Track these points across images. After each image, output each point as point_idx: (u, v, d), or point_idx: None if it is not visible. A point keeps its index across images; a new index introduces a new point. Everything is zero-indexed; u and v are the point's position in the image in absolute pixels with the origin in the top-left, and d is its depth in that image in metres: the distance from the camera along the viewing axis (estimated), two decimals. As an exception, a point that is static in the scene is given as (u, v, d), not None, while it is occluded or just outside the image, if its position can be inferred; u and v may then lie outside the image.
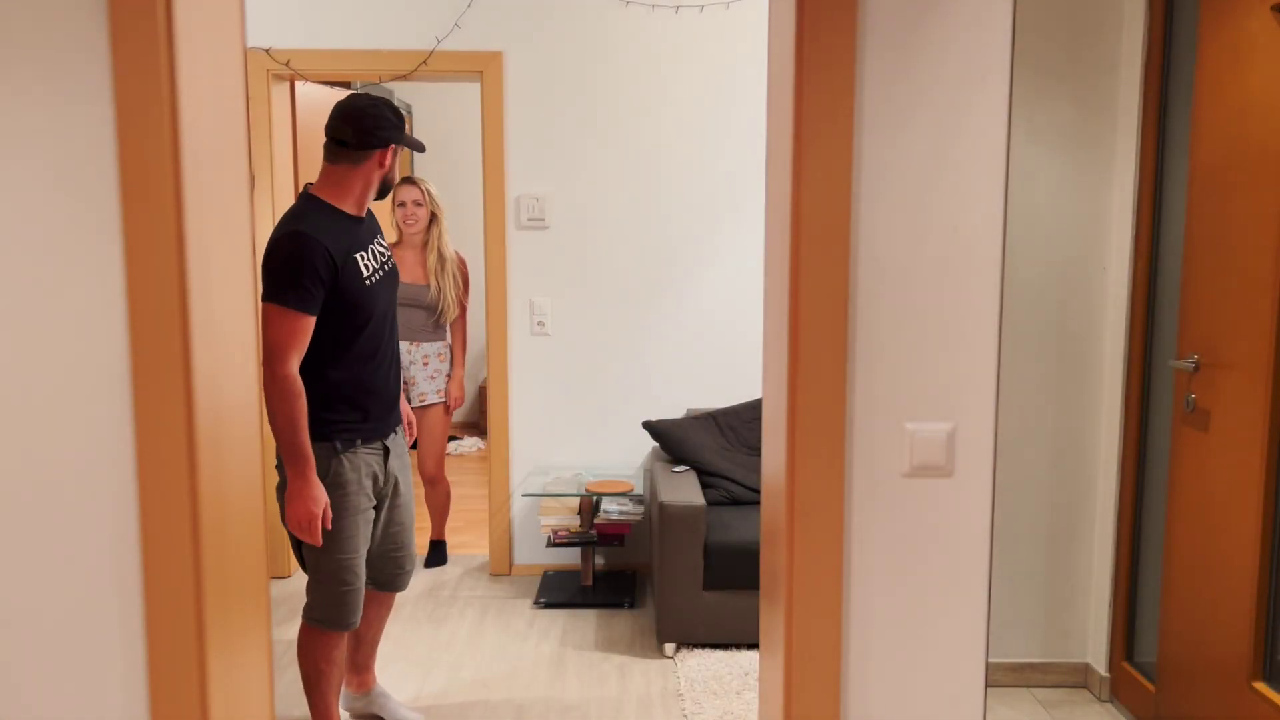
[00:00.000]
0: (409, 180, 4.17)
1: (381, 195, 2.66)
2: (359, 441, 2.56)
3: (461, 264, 4.33)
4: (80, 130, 1.51)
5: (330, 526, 2.48)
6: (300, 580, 4.33)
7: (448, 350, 4.30)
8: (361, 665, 3.01)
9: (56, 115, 1.51)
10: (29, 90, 1.50)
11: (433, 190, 4.22)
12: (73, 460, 1.56)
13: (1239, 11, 2.42)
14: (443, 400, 4.26)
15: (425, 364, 4.22)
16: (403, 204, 4.19)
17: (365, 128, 2.49)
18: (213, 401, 1.63)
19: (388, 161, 2.57)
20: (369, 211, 2.65)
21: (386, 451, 2.67)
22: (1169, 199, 2.88)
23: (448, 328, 4.30)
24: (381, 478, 2.66)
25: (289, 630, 3.79)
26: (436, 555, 4.52)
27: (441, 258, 4.22)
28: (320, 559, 2.57)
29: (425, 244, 4.22)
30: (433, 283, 4.18)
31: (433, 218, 4.22)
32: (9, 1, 1.49)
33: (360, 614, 2.67)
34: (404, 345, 4.12)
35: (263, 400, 1.89)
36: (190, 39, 1.55)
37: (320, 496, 2.43)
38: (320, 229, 2.42)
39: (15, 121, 1.51)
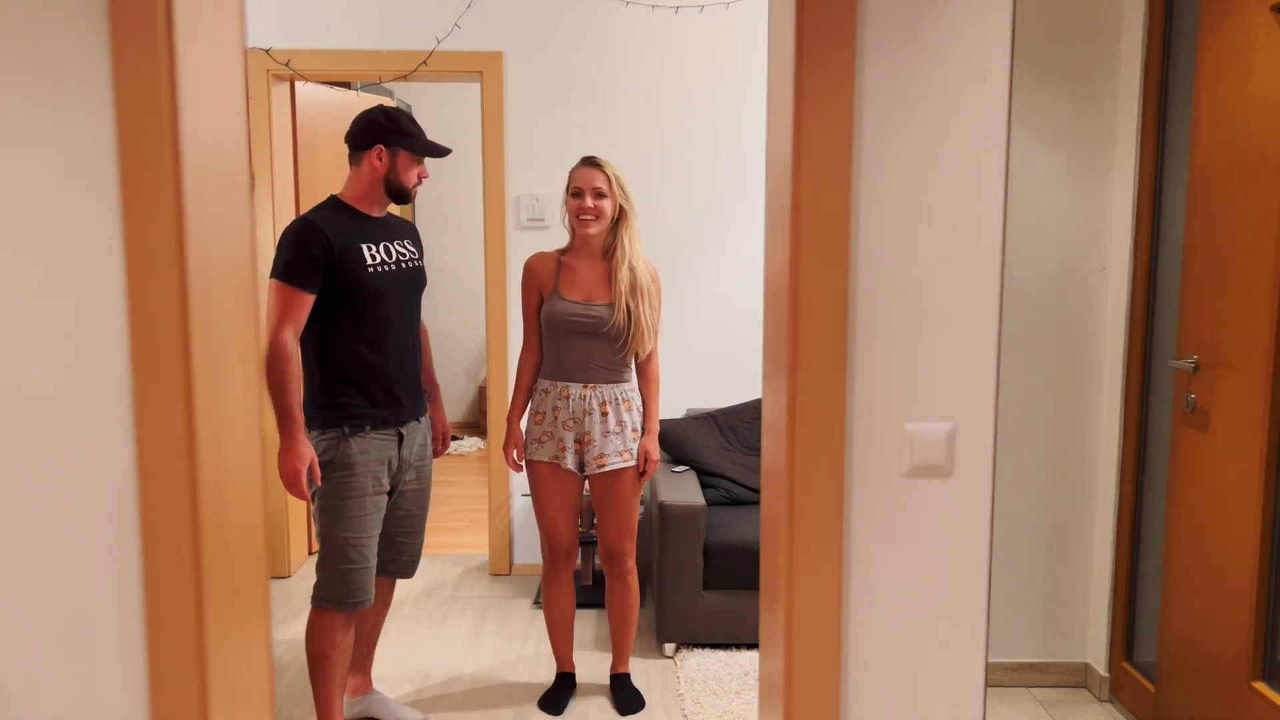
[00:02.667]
0: (589, 161, 3.02)
1: (397, 199, 2.81)
2: (368, 427, 2.69)
3: (655, 278, 3.10)
4: (80, 130, 1.51)
5: (318, 483, 2.65)
6: (300, 580, 4.34)
7: (634, 395, 3.10)
8: (357, 666, 3.02)
9: (56, 115, 1.51)
10: (28, 90, 1.50)
11: (622, 178, 3.02)
12: (72, 460, 1.56)
13: (1239, 12, 2.42)
14: (630, 464, 3.04)
15: (604, 414, 3.00)
16: (578, 192, 2.98)
17: (356, 130, 2.76)
18: (213, 401, 1.63)
19: (382, 161, 2.73)
20: (396, 218, 2.88)
21: (401, 438, 2.77)
22: (1169, 199, 2.88)
23: (633, 365, 3.12)
24: (396, 463, 2.77)
25: (289, 630, 3.79)
26: (625, 694, 3.24)
27: (634, 273, 2.98)
28: (327, 536, 2.70)
29: (608, 250, 3.01)
30: (620, 305, 2.95)
31: (621, 214, 3.01)
32: (8, 1, 1.49)
33: (369, 596, 2.73)
34: (576, 388, 2.99)
35: (264, 400, 1.91)
36: (190, 38, 1.55)
37: (305, 454, 2.59)
38: (326, 219, 2.67)
39: (14, 121, 1.51)
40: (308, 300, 2.61)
